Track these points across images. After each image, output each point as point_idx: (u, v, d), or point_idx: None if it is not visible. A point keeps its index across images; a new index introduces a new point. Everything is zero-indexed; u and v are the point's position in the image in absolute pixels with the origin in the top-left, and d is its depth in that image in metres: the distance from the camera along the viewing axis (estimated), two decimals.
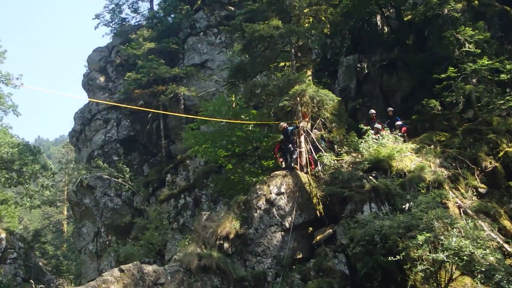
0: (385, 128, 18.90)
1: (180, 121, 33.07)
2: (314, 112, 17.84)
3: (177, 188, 30.00)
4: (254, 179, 19.40)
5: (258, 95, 17.68)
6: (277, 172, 16.15)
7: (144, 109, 29.06)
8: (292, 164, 16.89)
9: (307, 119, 17.92)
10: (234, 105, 21.57)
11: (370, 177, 15.72)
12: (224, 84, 21.46)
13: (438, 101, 19.40)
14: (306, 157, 17.28)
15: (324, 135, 18.33)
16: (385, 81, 24.28)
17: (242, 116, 20.19)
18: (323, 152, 17.41)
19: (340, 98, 18.99)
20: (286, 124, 17.45)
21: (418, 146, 17.42)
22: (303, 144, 17.16)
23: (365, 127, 18.17)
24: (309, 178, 16.32)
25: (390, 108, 21.21)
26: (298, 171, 16.43)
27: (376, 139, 17.32)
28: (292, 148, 17.08)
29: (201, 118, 21.87)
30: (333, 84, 26.45)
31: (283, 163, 17.24)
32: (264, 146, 20.35)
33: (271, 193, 15.51)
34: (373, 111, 20.94)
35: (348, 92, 25.33)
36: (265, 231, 14.96)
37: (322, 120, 18.37)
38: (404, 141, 17.89)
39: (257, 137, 20.56)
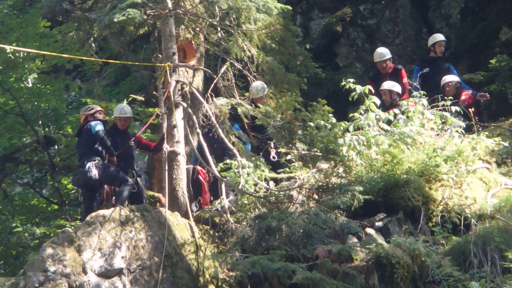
0: (413, 95, 7.79)
1: None
2: (213, 44, 8.01)
3: None
4: (38, 230, 9.75)
5: None
6: (104, 213, 6.44)
7: None
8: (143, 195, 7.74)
9: (193, 61, 8.31)
10: None
11: (369, 230, 6.70)
12: None
13: None
14: (188, 171, 7.63)
15: (240, 110, 7.61)
16: None
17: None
18: (238, 157, 7.12)
19: (291, 7, 7.94)
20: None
21: (507, 144, 7.48)
22: (178, 135, 7.20)
23: (359, 88, 7.45)
24: (195, 229, 6.79)
25: (439, 37, 9.28)
26: (164, 210, 6.74)
27: (390, 122, 7.50)
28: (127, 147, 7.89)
29: None
30: None
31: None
32: (67, 139, 9.94)
33: (85, 272, 5.95)
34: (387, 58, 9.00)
35: None
36: None
37: (237, 66, 7.77)
38: (468, 130, 7.78)
39: (50, 112, 10.45)
